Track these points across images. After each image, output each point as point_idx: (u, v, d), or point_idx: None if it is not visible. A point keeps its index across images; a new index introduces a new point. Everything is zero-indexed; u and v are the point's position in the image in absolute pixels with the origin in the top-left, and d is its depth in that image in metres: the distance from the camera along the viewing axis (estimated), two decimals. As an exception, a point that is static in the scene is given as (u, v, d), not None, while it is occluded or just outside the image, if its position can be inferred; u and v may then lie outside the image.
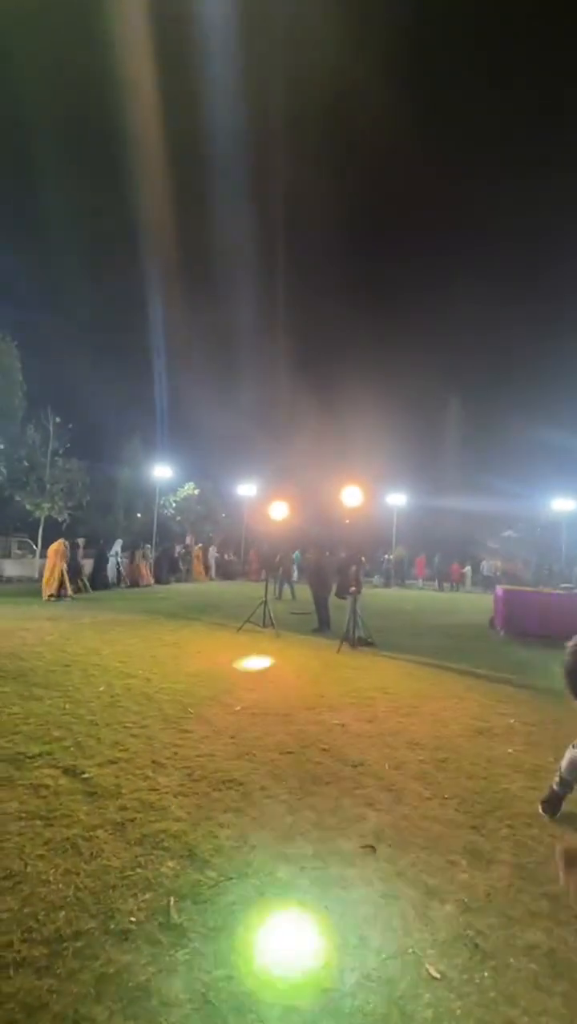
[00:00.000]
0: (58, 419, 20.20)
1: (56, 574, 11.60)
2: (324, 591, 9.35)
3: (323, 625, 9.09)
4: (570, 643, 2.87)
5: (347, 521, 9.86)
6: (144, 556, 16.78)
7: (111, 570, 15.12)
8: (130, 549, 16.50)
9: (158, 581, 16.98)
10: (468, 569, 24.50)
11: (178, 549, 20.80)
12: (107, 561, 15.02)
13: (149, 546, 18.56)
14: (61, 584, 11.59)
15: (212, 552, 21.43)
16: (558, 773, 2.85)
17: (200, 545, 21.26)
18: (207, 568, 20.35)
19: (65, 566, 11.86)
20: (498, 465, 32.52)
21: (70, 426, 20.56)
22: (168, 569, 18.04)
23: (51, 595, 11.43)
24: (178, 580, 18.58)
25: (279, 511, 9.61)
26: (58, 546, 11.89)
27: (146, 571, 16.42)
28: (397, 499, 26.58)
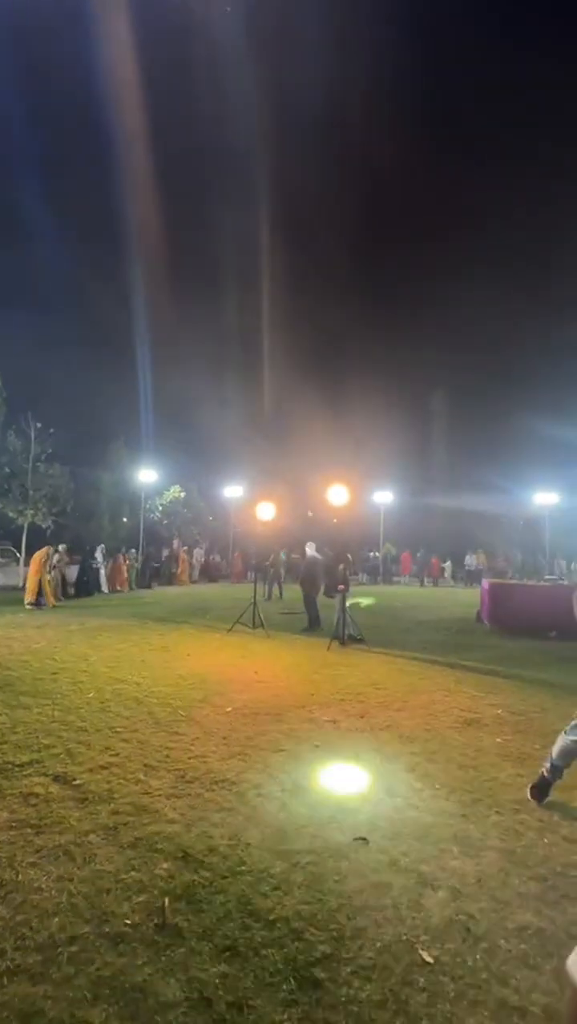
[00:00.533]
0: (39, 424, 19.91)
1: (35, 582, 11.43)
2: (314, 590, 9.39)
3: (313, 624, 9.13)
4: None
5: (335, 520, 9.90)
6: (125, 561, 16.67)
7: (93, 576, 14.98)
8: (112, 555, 16.37)
9: (140, 586, 16.88)
10: (448, 564, 24.86)
11: (164, 553, 20.68)
12: (91, 567, 14.90)
13: (134, 551, 18.41)
14: (40, 592, 11.44)
15: (196, 555, 21.36)
16: (549, 759, 2.91)
17: (185, 548, 21.15)
18: (190, 571, 20.30)
19: (49, 574, 11.70)
20: (483, 460, 32.98)
21: (51, 431, 20.28)
22: (151, 574, 17.95)
23: (30, 603, 11.24)
24: (161, 584, 18.47)
25: (266, 512, 9.62)
26: (41, 554, 11.71)
27: (125, 576, 16.27)
28: (384, 497, 26.78)
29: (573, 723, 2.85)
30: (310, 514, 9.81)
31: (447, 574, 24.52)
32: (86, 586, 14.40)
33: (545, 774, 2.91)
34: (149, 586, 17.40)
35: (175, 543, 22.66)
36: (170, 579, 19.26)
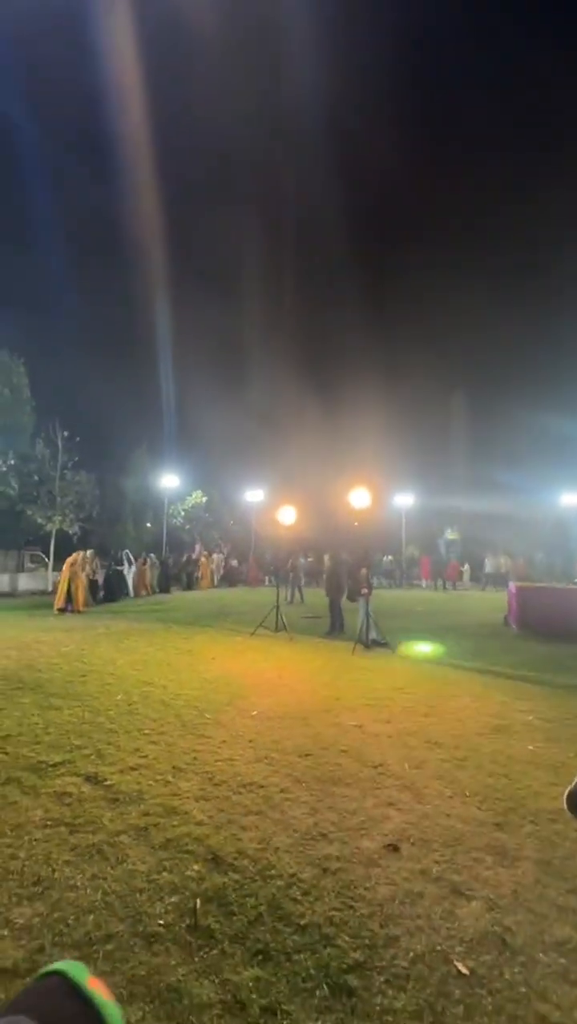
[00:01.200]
0: (66, 433, 20.46)
1: (65, 587, 11.54)
2: (338, 594, 9.35)
3: (336, 628, 9.08)
4: None
5: (356, 524, 9.85)
6: (145, 565, 16.81)
7: (121, 581, 15.19)
8: (135, 559, 16.58)
9: (161, 590, 17.04)
10: (467, 567, 24.29)
11: (184, 557, 20.92)
12: (119, 572, 15.10)
13: (153, 555, 18.59)
14: (69, 598, 11.58)
15: (216, 559, 21.46)
16: None
17: (205, 552, 21.31)
18: (212, 575, 20.40)
19: (83, 578, 11.87)
20: (507, 461, 32.29)
21: (78, 439, 20.82)
22: (171, 578, 18.12)
23: (59, 608, 11.40)
24: (183, 588, 18.64)
25: (288, 516, 9.64)
26: (73, 559, 11.88)
27: (148, 581, 16.46)
28: (405, 499, 26.47)
29: None
30: (356, 524, 9.75)
31: (466, 577, 23.99)
32: (114, 591, 14.62)
33: None
34: (168, 590, 17.55)
35: (197, 547, 22.91)
36: (190, 583, 19.40)
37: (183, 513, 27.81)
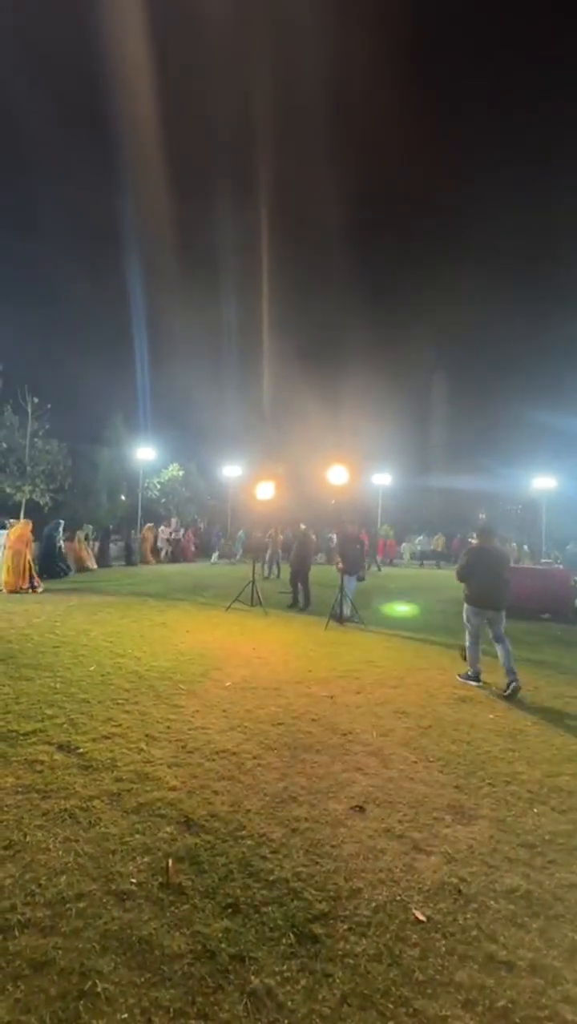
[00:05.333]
0: (36, 399, 19.65)
1: (22, 563, 9.78)
2: (304, 569, 9.45)
3: (303, 602, 9.22)
4: None
5: (332, 502, 9.91)
6: (86, 538, 15.30)
7: (61, 557, 13.11)
8: (70, 531, 14.59)
9: (101, 565, 15.39)
10: (405, 545, 25.63)
11: (166, 531, 20.54)
12: (56, 545, 13.03)
13: (91, 527, 17.13)
14: (30, 574, 9.88)
15: (162, 534, 20.46)
16: None
17: (148, 526, 20.20)
18: (155, 552, 18.89)
19: (31, 554, 10.06)
20: (482, 444, 32.88)
21: (48, 406, 20.04)
22: (109, 553, 16.87)
23: (19, 588, 9.60)
24: (122, 564, 17.03)
25: (266, 491, 9.61)
26: (21, 531, 10.03)
27: (87, 554, 14.92)
28: (383, 479, 26.74)
29: None
30: (333, 502, 9.80)
31: (407, 556, 25.15)
32: (56, 568, 12.48)
33: None
34: (110, 565, 16.02)
35: (173, 521, 22.64)
36: (129, 559, 17.42)
37: (159, 486, 27.37)
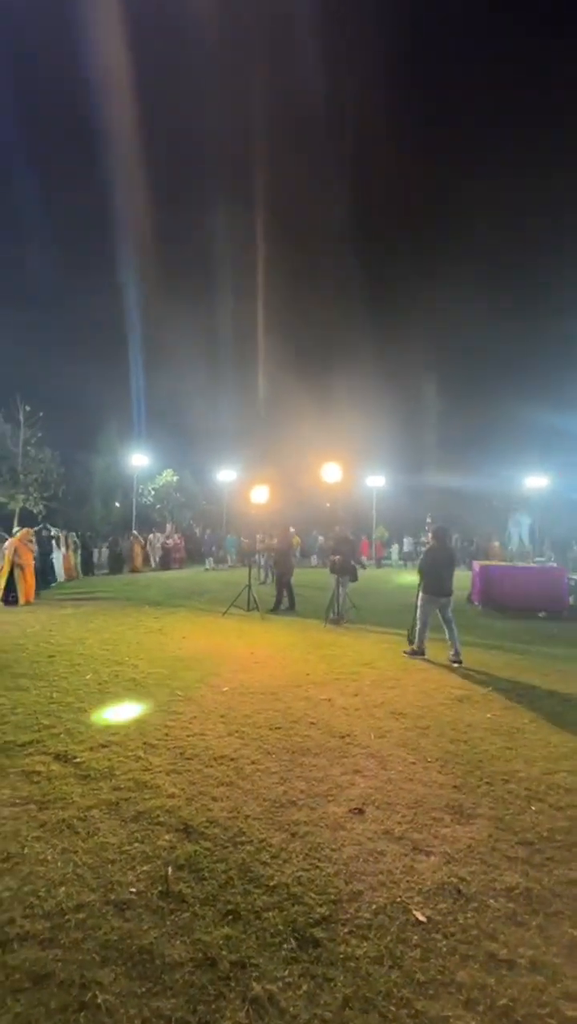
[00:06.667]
0: (28, 407, 19.59)
1: (4, 574, 9.46)
2: (288, 573, 9.47)
3: (287, 603, 9.22)
4: None
5: (328, 504, 9.96)
6: (70, 546, 15.02)
7: (49, 566, 12.81)
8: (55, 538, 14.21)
9: (85, 573, 15.33)
10: (395, 547, 25.91)
11: (161, 538, 20.44)
12: (50, 554, 12.85)
13: (75, 534, 16.24)
14: (10, 587, 9.44)
15: (153, 539, 20.26)
16: None
17: (134, 534, 19.86)
18: (146, 558, 18.61)
19: (30, 563, 9.76)
20: (476, 444, 33.08)
21: (41, 414, 19.99)
22: (114, 560, 16.67)
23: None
24: (113, 573, 16.82)
25: (260, 496, 9.62)
26: (15, 541, 9.75)
27: (72, 564, 14.70)
28: (376, 481, 26.85)
29: None
30: (328, 504, 9.91)
31: (395, 556, 25.37)
32: (44, 577, 12.00)
33: None
34: (93, 573, 15.88)
35: (168, 527, 22.57)
36: (117, 566, 17.16)
37: (153, 492, 27.31)
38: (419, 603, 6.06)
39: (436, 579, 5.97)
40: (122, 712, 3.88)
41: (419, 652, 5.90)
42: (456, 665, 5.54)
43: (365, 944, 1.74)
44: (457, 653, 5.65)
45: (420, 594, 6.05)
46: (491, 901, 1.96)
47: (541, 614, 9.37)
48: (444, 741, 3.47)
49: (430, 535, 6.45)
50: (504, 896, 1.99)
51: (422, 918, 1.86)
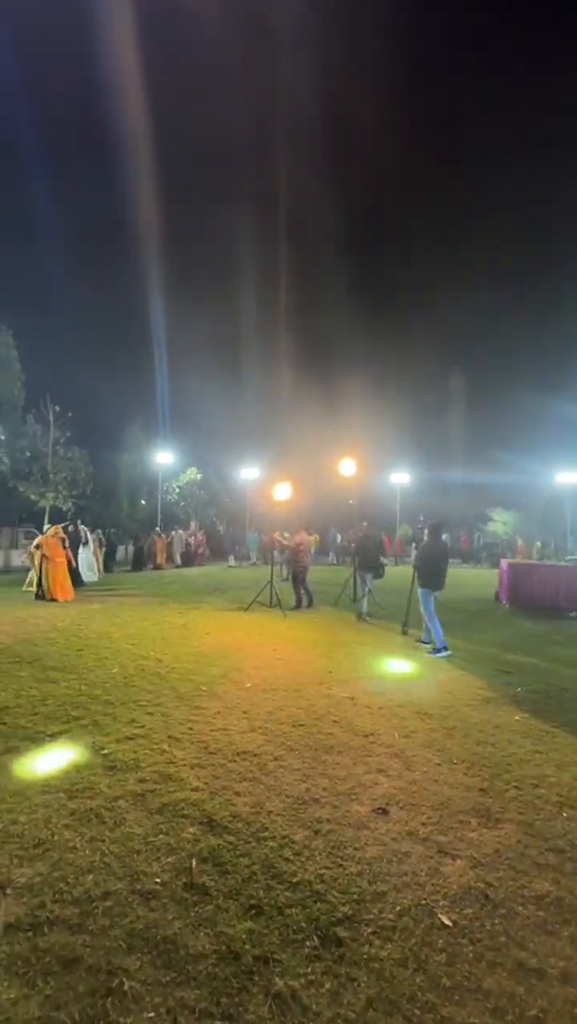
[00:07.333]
0: (57, 408, 20.13)
1: (36, 570, 9.56)
2: (302, 570, 9.43)
3: (305, 602, 9.19)
4: None
5: (351, 502, 9.91)
6: (99, 543, 15.10)
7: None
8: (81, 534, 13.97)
9: (107, 570, 15.29)
10: (414, 543, 25.25)
11: (184, 535, 20.73)
12: (79, 551, 12.50)
13: (100, 531, 16.46)
14: (39, 582, 9.50)
15: (175, 536, 20.43)
16: None
17: (156, 531, 20.11)
18: (169, 555, 18.85)
19: (62, 560, 9.76)
20: (503, 440, 32.25)
21: (69, 415, 20.51)
22: (136, 557, 16.88)
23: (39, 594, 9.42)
24: (134, 569, 17.06)
25: (283, 493, 9.62)
26: (47, 538, 9.70)
27: (99, 561, 14.61)
28: (400, 477, 26.50)
29: None
30: (351, 502, 9.90)
31: (414, 554, 24.86)
32: (76, 574, 11.64)
33: None
34: (112, 571, 15.93)
35: (192, 524, 22.86)
36: (139, 563, 17.38)
37: (178, 490, 27.70)
38: (421, 600, 6.29)
39: (435, 574, 6.26)
40: (147, 705, 3.95)
41: (442, 648, 5.91)
42: (431, 652, 5.90)
43: (389, 945, 1.72)
44: (426, 642, 6.18)
45: (418, 589, 6.35)
46: (520, 908, 1.90)
47: (573, 614, 9.06)
48: (470, 743, 3.40)
49: (425, 532, 6.77)
50: (533, 904, 1.93)
51: (448, 922, 1.82)
